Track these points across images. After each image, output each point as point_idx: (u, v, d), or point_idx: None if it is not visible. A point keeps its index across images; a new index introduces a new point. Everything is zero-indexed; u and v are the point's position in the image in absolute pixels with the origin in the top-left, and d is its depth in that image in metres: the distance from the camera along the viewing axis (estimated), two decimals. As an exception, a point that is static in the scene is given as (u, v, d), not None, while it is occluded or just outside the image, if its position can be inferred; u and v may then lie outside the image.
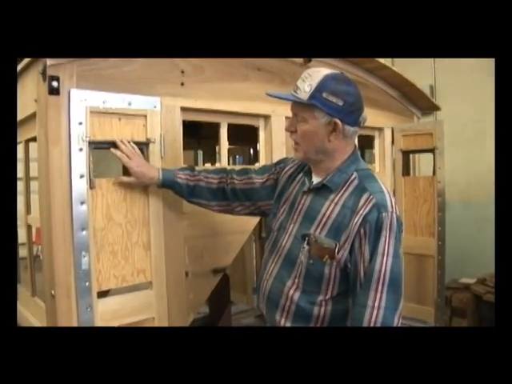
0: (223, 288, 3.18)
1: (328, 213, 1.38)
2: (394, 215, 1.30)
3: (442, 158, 2.87)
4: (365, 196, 1.33)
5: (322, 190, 1.42)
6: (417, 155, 3.28)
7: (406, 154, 3.09)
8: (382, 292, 1.26)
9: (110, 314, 1.62)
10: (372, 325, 1.26)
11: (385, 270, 1.27)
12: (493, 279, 3.96)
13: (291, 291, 1.41)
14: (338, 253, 1.33)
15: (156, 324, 1.73)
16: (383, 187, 1.37)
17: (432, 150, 2.91)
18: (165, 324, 1.76)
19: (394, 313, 1.27)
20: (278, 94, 1.48)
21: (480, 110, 4.50)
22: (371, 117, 2.83)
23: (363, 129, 2.85)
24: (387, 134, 3.05)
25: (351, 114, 1.37)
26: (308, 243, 1.39)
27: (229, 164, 2.30)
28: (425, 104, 3.30)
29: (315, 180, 1.46)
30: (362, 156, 3.89)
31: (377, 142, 3.06)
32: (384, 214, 1.29)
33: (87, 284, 1.56)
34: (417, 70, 4.34)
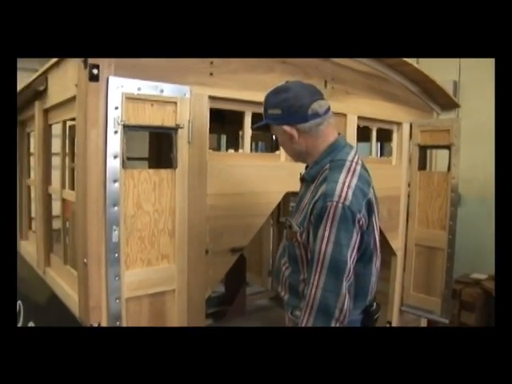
0: (239, 269, 3.31)
1: (306, 202, 1.53)
2: (340, 205, 1.36)
3: (458, 154, 2.92)
4: (324, 185, 1.44)
5: (307, 181, 1.59)
6: (434, 151, 3.34)
7: (422, 148, 3.15)
8: (320, 273, 1.37)
9: (135, 284, 1.77)
10: (311, 301, 1.38)
11: (324, 254, 1.36)
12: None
13: (284, 268, 1.63)
14: (301, 236, 1.49)
15: (176, 295, 1.88)
16: (342, 177, 1.43)
17: (448, 147, 2.97)
18: (184, 295, 1.90)
19: (336, 297, 1.36)
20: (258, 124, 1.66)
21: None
22: (390, 111, 2.94)
23: (383, 123, 2.95)
24: (405, 128, 3.12)
25: (294, 114, 1.50)
26: (288, 228, 1.60)
27: (251, 150, 2.42)
28: (445, 101, 3.34)
29: None
30: (381, 149, 3.96)
31: (395, 136, 3.13)
32: (328, 204, 1.37)
33: (116, 255, 1.70)
34: (442, 66, 4.34)
